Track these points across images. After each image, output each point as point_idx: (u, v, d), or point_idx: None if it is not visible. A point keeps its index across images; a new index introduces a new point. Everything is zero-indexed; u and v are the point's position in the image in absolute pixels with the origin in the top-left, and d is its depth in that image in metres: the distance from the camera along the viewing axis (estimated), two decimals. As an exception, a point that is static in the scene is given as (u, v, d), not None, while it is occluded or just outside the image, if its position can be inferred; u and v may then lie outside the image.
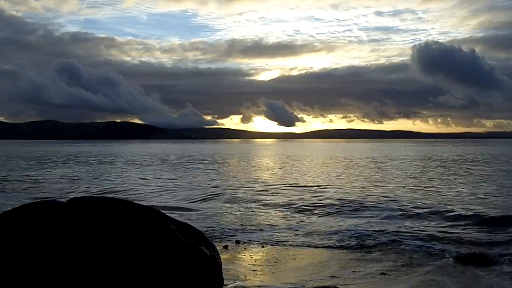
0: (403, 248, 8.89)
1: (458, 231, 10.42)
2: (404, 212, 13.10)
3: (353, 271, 7.27)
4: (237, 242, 9.49)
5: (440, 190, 18.63)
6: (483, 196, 16.52)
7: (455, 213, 12.82)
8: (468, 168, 31.48)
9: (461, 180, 22.94)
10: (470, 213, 12.70)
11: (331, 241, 9.54)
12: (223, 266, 5.13)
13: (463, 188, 19.44)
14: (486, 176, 25.44)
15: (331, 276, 6.97)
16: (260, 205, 14.87)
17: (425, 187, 19.84)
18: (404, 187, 19.83)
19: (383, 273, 7.15)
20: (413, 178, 24.40)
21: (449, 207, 13.89)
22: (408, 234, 10.04)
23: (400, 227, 10.95)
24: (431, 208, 13.71)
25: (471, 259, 7.85)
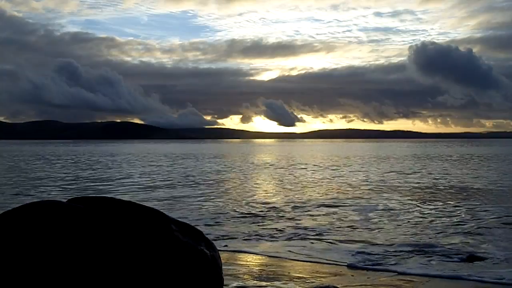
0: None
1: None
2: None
3: (354, 272, 7.26)
4: (238, 241, 9.48)
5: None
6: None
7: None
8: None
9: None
10: None
11: (334, 240, 9.52)
12: (223, 266, 5.11)
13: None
14: None
15: (334, 275, 6.96)
16: (263, 204, 14.88)
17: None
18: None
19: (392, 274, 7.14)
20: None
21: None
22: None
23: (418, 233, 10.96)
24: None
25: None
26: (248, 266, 7.45)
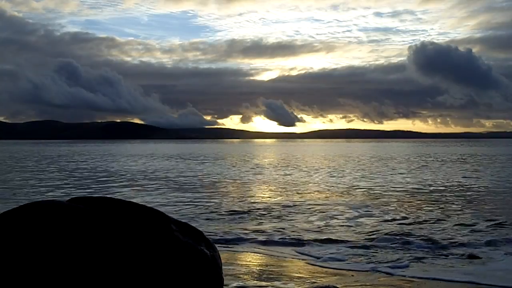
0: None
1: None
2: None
3: (356, 270, 7.26)
4: (239, 241, 9.47)
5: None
6: None
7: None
8: None
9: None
10: None
11: (338, 239, 9.51)
12: (223, 266, 5.11)
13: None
14: None
15: (334, 275, 6.96)
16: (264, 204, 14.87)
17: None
18: None
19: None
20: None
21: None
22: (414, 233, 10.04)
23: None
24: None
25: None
26: (248, 266, 7.44)
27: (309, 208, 13.92)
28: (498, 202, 15.28)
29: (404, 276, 6.99)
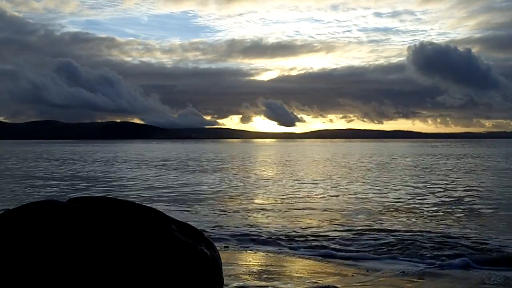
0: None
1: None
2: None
3: (355, 270, 7.25)
4: (239, 242, 9.47)
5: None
6: None
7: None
8: None
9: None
10: None
11: (337, 242, 9.52)
12: (223, 266, 5.10)
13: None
14: None
15: (334, 275, 6.95)
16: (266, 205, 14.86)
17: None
18: None
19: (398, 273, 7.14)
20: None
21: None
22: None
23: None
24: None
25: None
26: (248, 266, 7.44)
27: (313, 212, 13.94)
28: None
29: (404, 275, 6.99)
